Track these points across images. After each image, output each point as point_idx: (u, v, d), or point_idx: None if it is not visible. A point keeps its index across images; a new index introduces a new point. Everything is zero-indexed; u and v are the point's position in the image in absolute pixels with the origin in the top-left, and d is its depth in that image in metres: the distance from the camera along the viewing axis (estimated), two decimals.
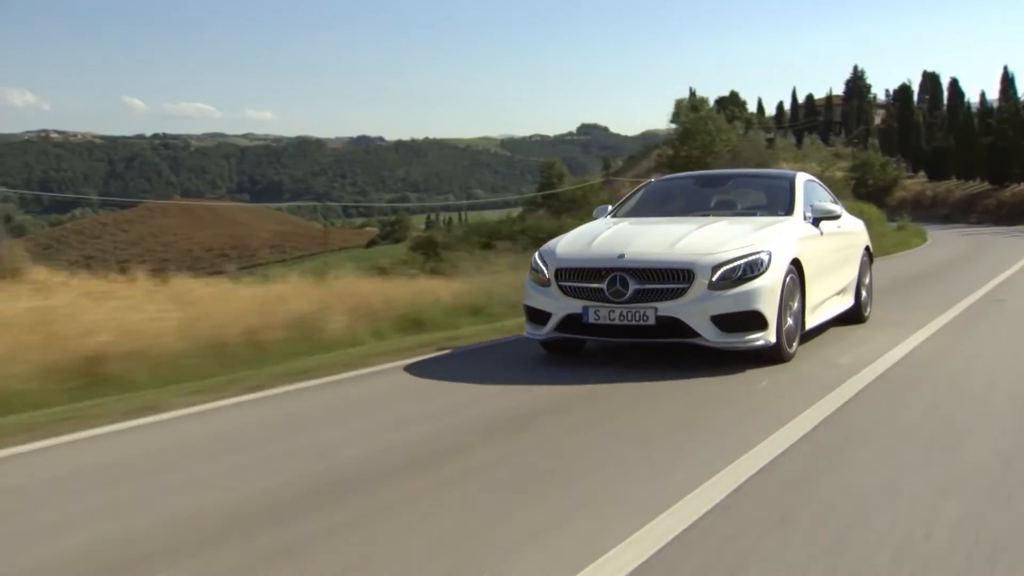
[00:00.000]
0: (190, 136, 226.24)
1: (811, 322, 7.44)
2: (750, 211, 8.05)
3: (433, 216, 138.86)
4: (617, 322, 6.60)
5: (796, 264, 7.05)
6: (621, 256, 6.72)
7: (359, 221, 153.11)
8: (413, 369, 7.05)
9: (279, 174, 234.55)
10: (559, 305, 6.89)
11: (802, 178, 8.35)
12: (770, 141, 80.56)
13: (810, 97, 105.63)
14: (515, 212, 76.66)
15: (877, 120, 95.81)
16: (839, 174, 58.68)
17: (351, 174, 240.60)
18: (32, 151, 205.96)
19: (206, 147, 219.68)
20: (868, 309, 9.30)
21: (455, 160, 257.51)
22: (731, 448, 4.49)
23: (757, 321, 6.57)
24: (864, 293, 9.19)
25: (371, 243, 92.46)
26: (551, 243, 7.45)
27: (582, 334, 6.84)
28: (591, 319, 6.68)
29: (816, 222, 7.82)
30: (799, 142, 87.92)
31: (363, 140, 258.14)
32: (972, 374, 6.46)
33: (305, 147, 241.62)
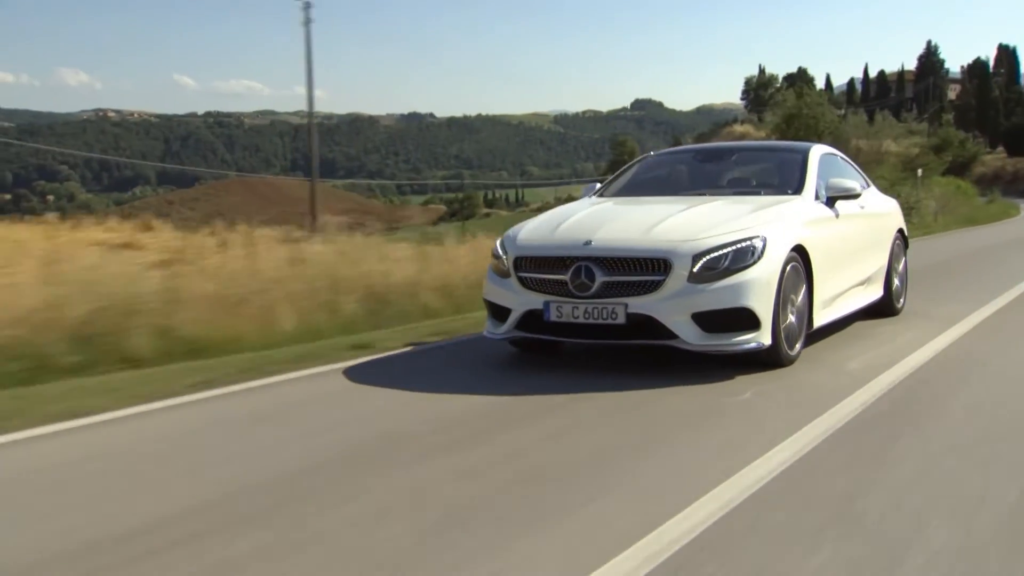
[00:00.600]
0: (242, 114, 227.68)
1: (822, 319, 6.33)
2: (754, 189, 6.92)
3: (491, 194, 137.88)
4: (582, 320, 5.57)
5: (800, 251, 5.95)
6: (587, 243, 5.67)
7: (418, 199, 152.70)
8: None
9: (332, 152, 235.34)
10: (519, 300, 5.87)
11: (818, 151, 7.19)
12: (841, 118, 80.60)
13: (882, 73, 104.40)
14: (577, 189, 75.63)
15: (951, 95, 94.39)
16: (915, 150, 58.34)
17: (404, 151, 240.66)
18: (91, 130, 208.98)
19: (260, 125, 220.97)
20: (901, 300, 8.13)
21: (508, 137, 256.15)
22: (685, 487, 3.51)
23: (747, 319, 5.50)
24: (897, 282, 8.02)
25: (440, 220, 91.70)
26: (516, 227, 6.42)
27: (543, 334, 5.81)
28: (553, 316, 5.66)
29: (831, 202, 6.68)
30: (871, 119, 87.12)
31: (414, 117, 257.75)
32: (1001, 395, 5.32)
33: (358, 124, 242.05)
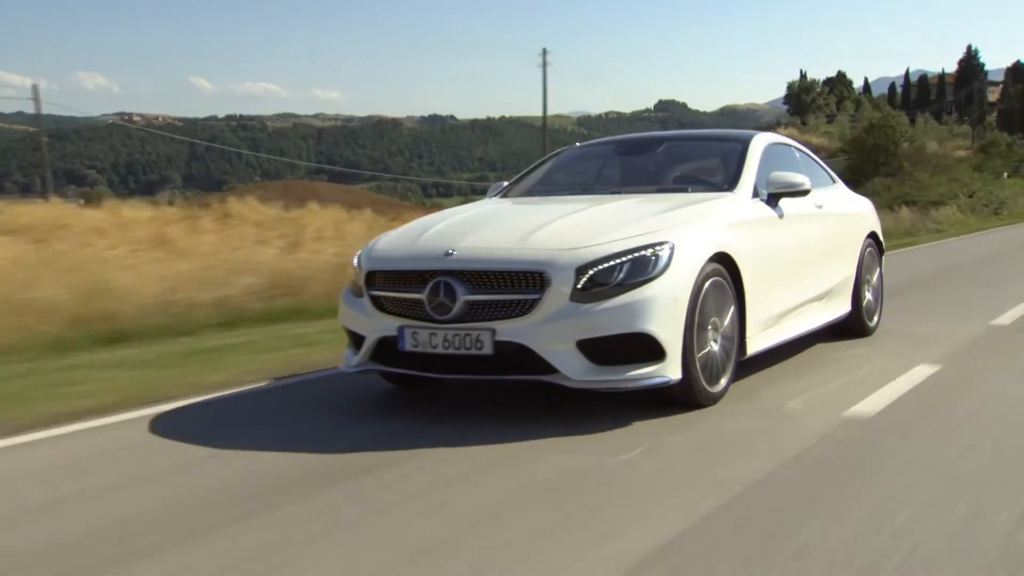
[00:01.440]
0: (263, 117, 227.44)
1: (759, 344, 5.12)
2: (680, 186, 5.69)
3: None
4: (441, 350, 4.38)
5: (725, 260, 4.75)
6: (449, 253, 4.49)
7: (448, 201, 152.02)
8: None
9: (356, 154, 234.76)
10: (372, 325, 4.71)
11: (762, 141, 5.94)
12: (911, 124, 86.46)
13: (923, 77, 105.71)
14: None
15: (991, 98, 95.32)
16: (960, 152, 64.59)
17: (428, 153, 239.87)
18: (117, 134, 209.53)
19: (283, 128, 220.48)
20: (875, 318, 6.88)
21: (532, 138, 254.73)
22: None
23: (647, 348, 4.30)
24: (869, 296, 6.77)
25: None
26: (383, 234, 5.25)
27: (399, 366, 4.64)
28: (408, 345, 4.49)
29: (774, 200, 5.45)
30: (912, 122, 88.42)
31: (435, 119, 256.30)
32: (987, 460, 4.09)
33: (381, 127, 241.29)
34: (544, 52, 50.83)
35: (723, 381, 4.72)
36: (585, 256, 4.31)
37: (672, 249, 4.42)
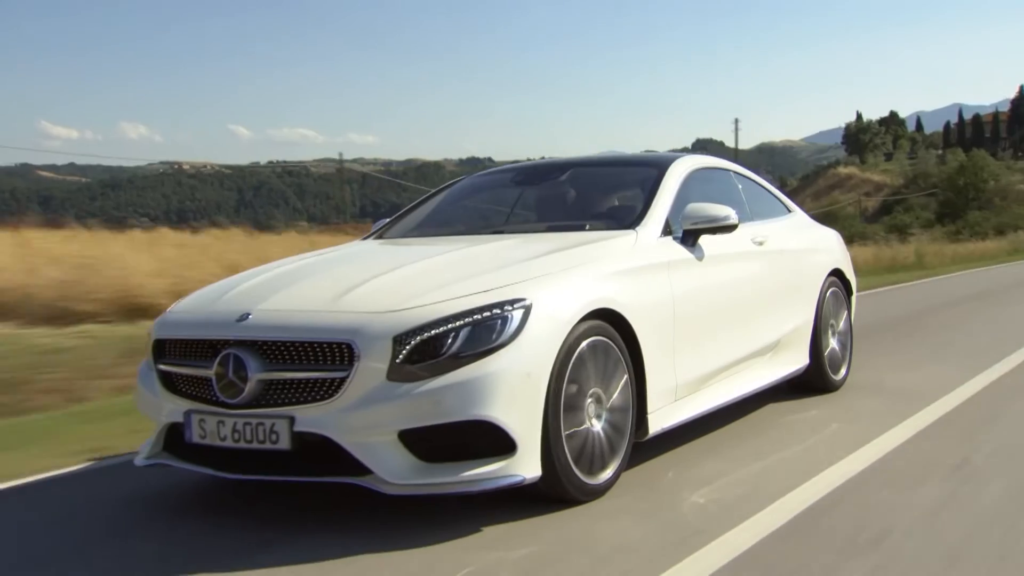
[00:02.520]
0: (306, 162, 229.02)
1: (669, 419, 4.08)
2: (576, 222, 4.64)
3: None
4: (229, 443, 3.38)
5: (611, 318, 3.70)
6: (244, 317, 3.50)
7: None
8: None
9: (400, 197, 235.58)
10: (161, 407, 3.72)
11: (684, 167, 4.87)
12: (940, 158, 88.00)
13: (977, 116, 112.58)
14: None
15: None
16: (1021, 186, 70.61)
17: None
18: (168, 183, 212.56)
19: (327, 173, 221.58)
20: (843, 370, 5.76)
21: None
22: None
23: (490, 439, 3.29)
24: (833, 345, 5.66)
25: None
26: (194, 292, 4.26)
27: (187, 461, 3.64)
28: (195, 436, 3.50)
29: (690, 238, 4.40)
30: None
31: (474, 161, 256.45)
32: None
33: (424, 170, 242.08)
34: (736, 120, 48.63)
35: (609, 470, 3.68)
36: (406, 321, 3.30)
37: (527, 308, 3.40)
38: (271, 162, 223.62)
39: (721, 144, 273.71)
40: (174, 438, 3.66)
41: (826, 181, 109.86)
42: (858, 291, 6.26)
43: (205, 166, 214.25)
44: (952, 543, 3.05)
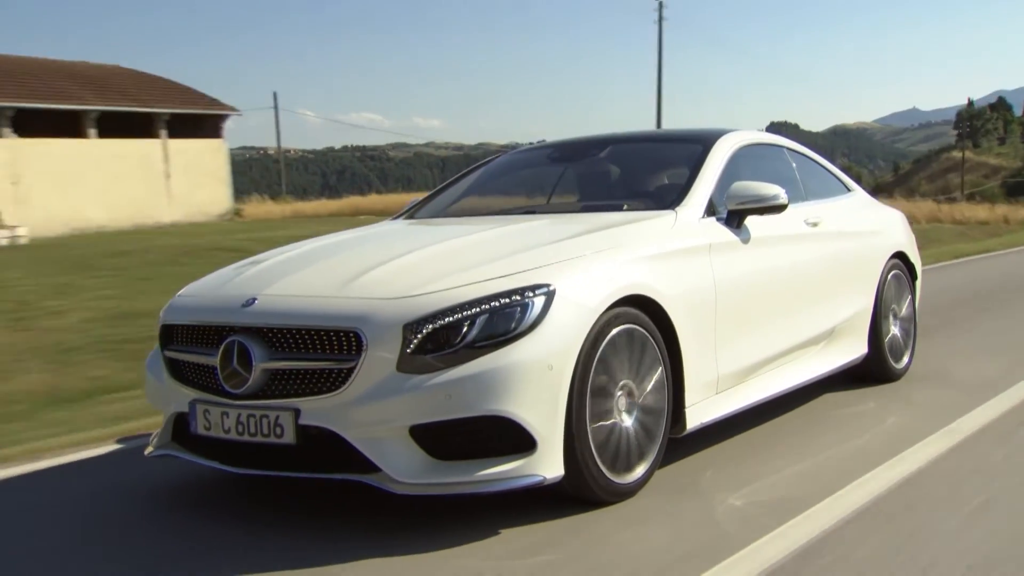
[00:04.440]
0: (383, 147, 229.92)
1: (708, 413, 3.72)
2: (614, 202, 4.26)
3: None
4: (233, 436, 3.12)
5: (645, 305, 3.34)
6: (250, 302, 3.23)
7: None
8: None
9: None
10: (168, 395, 3.47)
11: (731, 142, 4.42)
12: None
13: None
14: None
15: None
16: None
17: None
18: (257, 168, 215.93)
19: (407, 158, 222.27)
20: (905, 358, 5.28)
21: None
22: None
23: (507, 436, 2.98)
24: (896, 332, 5.20)
25: None
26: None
27: (192, 453, 3.40)
28: (200, 427, 3.25)
29: (735, 219, 3.99)
30: None
31: None
32: None
33: (497, 154, 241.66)
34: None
35: (640, 469, 3.34)
36: (417, 307, 2.99)
37: (550, 295, 3.07)
38: (346, 147, 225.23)
39: (796, 127, 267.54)
40: (182, 428, 3.41)
41: (940, 165, 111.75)
42: None
43: (289, 151, 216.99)
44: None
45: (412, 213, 4.84)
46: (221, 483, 3.73)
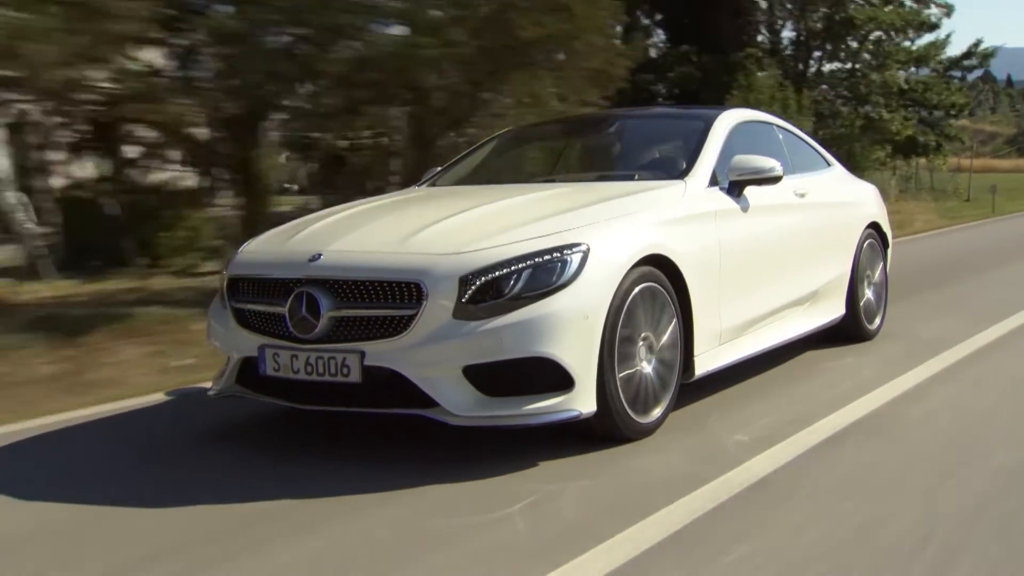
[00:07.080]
0: None
1: (713, 362, 4.10)
2: (625, 172, 4.63)
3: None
4: (303, 376, 3.45)
5: (662, 264, 3.71)
6: (315, 257, 3.55)
7: None
8: None
9: None
10: (235, 342, 3.78)
11: (730, 119, 4.80)
12: None
13: None
14: None
15: None
16: None
17: None
18: None
19: None
20: (877, 320, 5.72)
21: None
22: None
23: (549, 375, 3.34)
24: (869, 295, 5.63)
25: None
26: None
27: (261, 393, 3.72)
28: (269, 369, 3.57)
29: (736, 189, 4.37)
30: None
31: None
32: None
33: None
34: None
35: (657, 410, 3.71)
36: (471, 262, 3.34)
37: (585, 253, 3.42)
38: None
39: None
40: (246, 371, 3.72)
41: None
42: None
43: None
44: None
45: (433, 182, 5.14)
46: (288, 423, 4.07)
